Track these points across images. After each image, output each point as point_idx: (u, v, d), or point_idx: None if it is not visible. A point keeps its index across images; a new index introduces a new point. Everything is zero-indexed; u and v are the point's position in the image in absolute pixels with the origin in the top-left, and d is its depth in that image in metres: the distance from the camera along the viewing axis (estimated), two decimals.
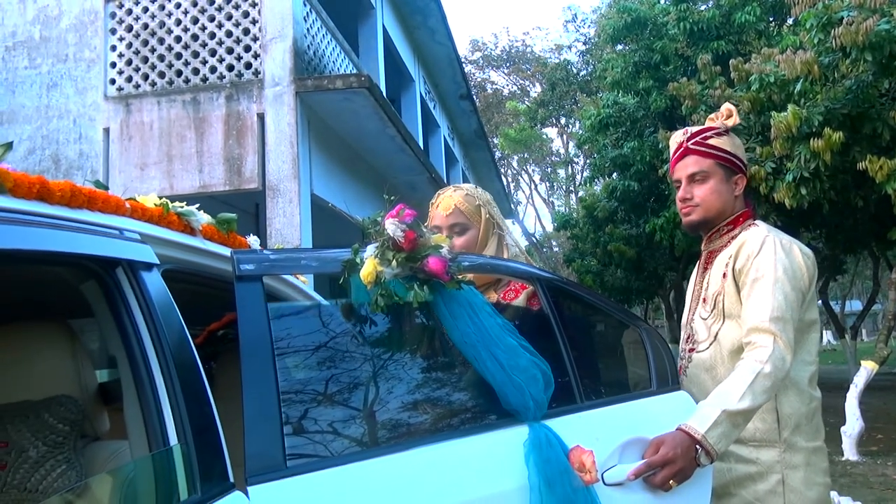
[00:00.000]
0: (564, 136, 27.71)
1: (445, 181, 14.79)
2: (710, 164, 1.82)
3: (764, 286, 1.66)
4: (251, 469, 1.18)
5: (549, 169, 31.13)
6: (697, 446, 1.50)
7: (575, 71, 21.65)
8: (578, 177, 26.17)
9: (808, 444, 1.70)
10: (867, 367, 6.65)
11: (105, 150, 6.91)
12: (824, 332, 36.99)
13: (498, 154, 29.33)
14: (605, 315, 1.86)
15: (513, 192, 31.80)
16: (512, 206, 30.40)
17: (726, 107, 1.87)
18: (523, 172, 31.85)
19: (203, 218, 1.58)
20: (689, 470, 1.50)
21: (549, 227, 29.16)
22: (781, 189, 6.33)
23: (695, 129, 1.89)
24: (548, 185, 32.12)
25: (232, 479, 1.15)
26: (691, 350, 1.83)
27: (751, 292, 1.69)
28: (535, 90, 27.24)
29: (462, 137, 18.41)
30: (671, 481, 1.48)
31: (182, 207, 1.55)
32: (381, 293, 1.43)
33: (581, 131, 14.81)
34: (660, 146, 8.82)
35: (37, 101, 7.12)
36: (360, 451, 1.39)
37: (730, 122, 1.84)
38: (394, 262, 1.45)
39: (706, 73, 7.73)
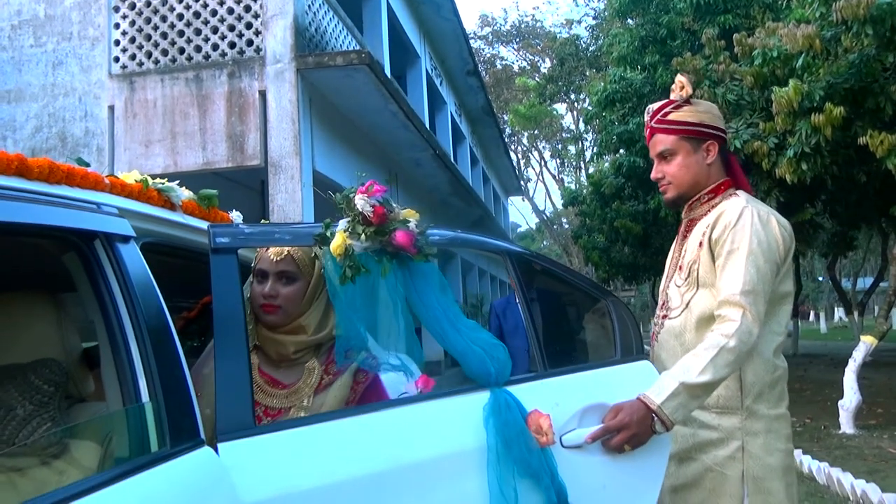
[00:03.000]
0: (575, 112, 27.51)
1: (452, 158, 14.80)
2: (673, 140, 1.81)
3: (738, 259, 1.67)
4: (221, 427, 1.27)
5: (560, 145, 30.94)
6: (653, 415, 1.56)
7: (584, 46, 21.41)
8: (588, 153, 26.01)
9: (769, 411, 1.72)
10: (866, 343, 6.68)
11: (110, 127, 7.00)
12: (836, 308, 36.78)
13: (508, 130, 29.21)
14: (573, 288, 1.92)
15: (523, 168, 31.72)
16: (522, 182, 30.35)
17: (678, 79, 1.84)
18: (533, 149, 31.68)
19: (183, 194, 1.66)
20: (644, 436, 1.56)
21: (560, 204, 29.07)
22: (783, 165, 6.31)
23: (657, 105, 1.87)
24: (558, 161, 31.96)
25: (203, 437, 1.24)
26: (664, 317, 1.85)
27: (725, 264, 1.69)
28: (546, 65, 27.01)
29: (469, 114, 18.36)
30: (626, 445, 1.56)
31: (163, 184, 1.63)
32: (350, 265, 1.50)
33: (589, 107, 14.72)
34: None
35: (43, 80, 7.21)
36: (328, 413, 1.48)
37: (684, 94, 1.81)
38: (363, 236, 1.52)
39: (710, 48, 7.66)
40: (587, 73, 21.48)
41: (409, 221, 1.58)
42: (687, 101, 1.84)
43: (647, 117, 1.88)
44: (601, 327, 1.88)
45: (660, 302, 1.90)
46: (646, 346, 1.84)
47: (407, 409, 1.52)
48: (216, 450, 1.24)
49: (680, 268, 1.83)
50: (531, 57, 28.78)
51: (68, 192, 1.28)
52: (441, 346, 1.55)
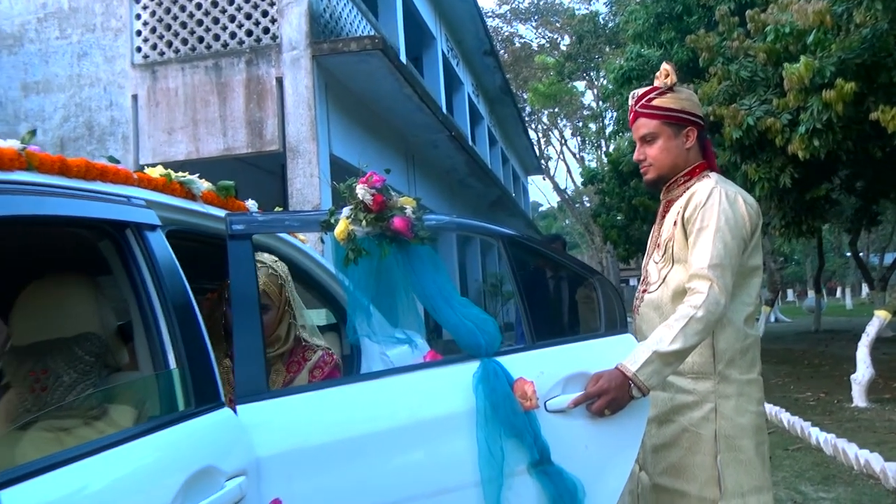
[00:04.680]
0: (594, 90, 27.26)
1: (470, 139, 14.88)
2: (656, 125, 1.93)
3: (707, 235, 1.80)
4: (239, 392, 1.46)
5: (580, 123, 30.70)
6: (630, 382, 1.70)
7: (603, 22, 21.19)
8: (608, 130, 25.81)
9: (741, 376, 1.86)
10: (879, 317, 6.72)
11: (134, 116, 7.24)
12: (863, 284, 36.27)
13: (528, 109, 29.06)
14: (563, 268, 2.06)
15: (544, 147, 31.59)
16: (542, 161, 30.25)
17: (663, 67, 1.94)
18: (554, 128, 31.48)
19: (203, 185, 1.83)
20: (623, 401, 1.71)
21: (580, 183, 28.88)
22: (795, 141, 6.32)
23: (641, 91, 1.98)
24: (579, 139, 31.72)
25: (223, 400, 1.42)
26: (644, 291, 1.99)
27: (696, 241, 1.82)
28: (565, 43, 26.78)
29: (487, 94, 18.36)
30: (606, 410, 1.71)
31: (184, 177, 1.80)
32: (352, 248, 1.67)
33: (609, 85, 14.65)
34: None
35: (69, 71, 7.45)
36: (336, 379, 1.65)
37: (668, 81, 1.92)
38: (364, 222, 1.69)
39: (724, 24, 7.63)
40: (606, 50, 21.29)
41: (405, 208, 1.73)
42: (670, 89, 1.95)
43: (631, 102, 1.99)
44: (589, 303, 2.03)
45: (641, 278, 2.04)
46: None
47: (406, 376, 1.69)
48: (235, 410, 1.42)
49: (658, 246, 1.96)
50: (550, 34, 28.53)
51: (102, 187, 1.46)
52: (436, 321, 1.71)
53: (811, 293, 24.93)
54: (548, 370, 1.74)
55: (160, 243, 1.48)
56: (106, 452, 1.10)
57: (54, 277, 1.58)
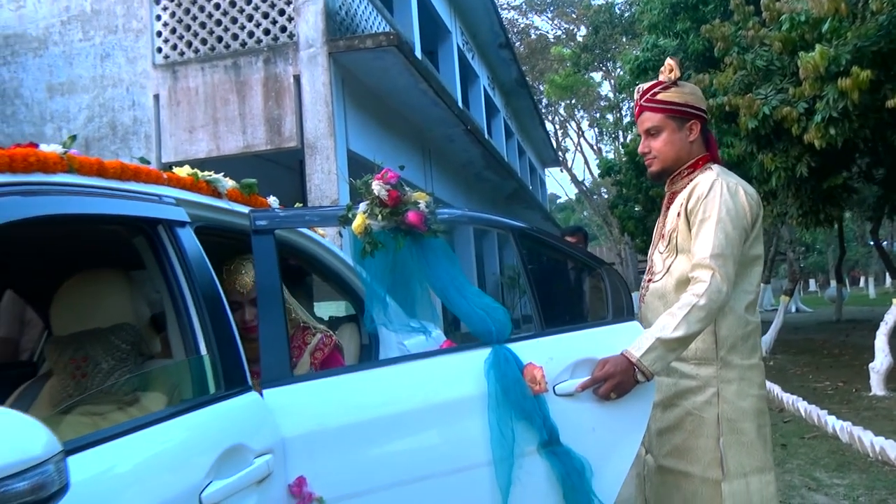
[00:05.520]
0: (612, 81, 27.10)
1: (486, 132, 14.91)
2: (660, 119, 1.98)
3: (709, 226, 1.86)
4: (265, 377, 1.56)
5: (598, 114, 30.53)
6: (635, 367, 1.78)
7: (619, 13, 21.07)
8: (625, 121, 25.66)
9: (742, 361, 1.92)
10: None
11: (156, 115, 7.40)
12: (886, 273, 35.58)
13: (545, 101, 28.98)
14: (571, 258, 2.14)
15: (561, 139, 31.50)
16: (560, 153, 30.17)
17: (667, 62, 2.00)
18: (571, 119, 31.35)
19: (228, 183, 1.93)
20: (628, 385, 1.78)
21: (598, 174, 28.74)
22: (811, 130, 6.30)
23: (646, 85, 2.03)
24: (596, 130, 31.56)
25: (250, 384, 1.53)
26: (649, 280, 2.06)
27: (698, 231, 1.88)
28: (581, 34, 26.67)
29: (503, 87, 18.36)
30: (612, 394, 1.79)
31: (210, 175, 1.90)
32: (368, 241, 1.76)
33: (626, 75, 14.59)
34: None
35: (92, 72, 7.63)
36: (355, 364, 1.75)
37: (672, 76, 1.98)
38: (380, 217, 1.77)
39: (739, 14, 7.59)
40: (622, 41, 21.19)
41: (419, 203, 1.81)
42: (674, 83, 2.00)
43: (636, 96, 2.05)
44: (597, 292, 2.10)
45: (647, 268, 2.11)
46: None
47: (422, 362, 1.78)
48: (261, 394, 1.52)
49: (663, 236, 2.03)
50: (566, 25, 28.40)
51: (136, 186, 1.56)
52: (449, 310, 1.80)
53: (833, 283, 24.66)
54: (557, 356, 1.82)
55: (189, 238, 1.59)
56: (149, 429, 1.21)
57: (91, 273, 1.69)
